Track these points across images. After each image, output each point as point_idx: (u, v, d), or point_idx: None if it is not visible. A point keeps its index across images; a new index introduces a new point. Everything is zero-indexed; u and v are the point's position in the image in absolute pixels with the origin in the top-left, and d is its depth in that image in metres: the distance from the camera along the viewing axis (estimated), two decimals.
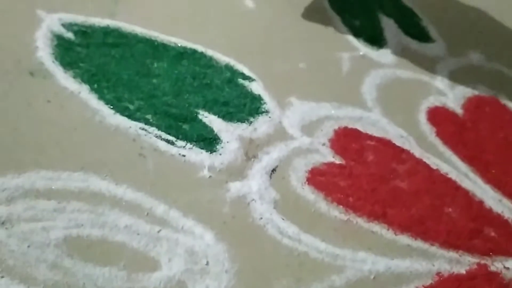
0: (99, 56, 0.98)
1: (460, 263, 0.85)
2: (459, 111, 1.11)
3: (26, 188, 0.76)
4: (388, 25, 1.27)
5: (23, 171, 0.78)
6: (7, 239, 0.70)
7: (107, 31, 1.03)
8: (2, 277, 0.67)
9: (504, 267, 0.87)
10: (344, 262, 0.81)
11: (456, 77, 1.18)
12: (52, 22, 1.00)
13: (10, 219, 0.72)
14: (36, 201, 0.75)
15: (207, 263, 0.75)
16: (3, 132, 0.82)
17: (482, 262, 0.86)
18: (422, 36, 1.27)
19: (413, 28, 1.28)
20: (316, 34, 1.19)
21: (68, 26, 1.01)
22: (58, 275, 0.69)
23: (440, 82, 1.16)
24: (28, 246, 0.70)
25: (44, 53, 0.95)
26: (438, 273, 0.82)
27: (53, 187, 0.77)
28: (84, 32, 1.01)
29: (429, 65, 1.20)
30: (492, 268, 0.86)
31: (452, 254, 0.86)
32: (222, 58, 1.05)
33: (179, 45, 1.05)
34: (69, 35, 1.00)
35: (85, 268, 0.70)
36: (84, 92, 0.91)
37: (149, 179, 0.83)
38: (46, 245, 0.71)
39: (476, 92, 1.16)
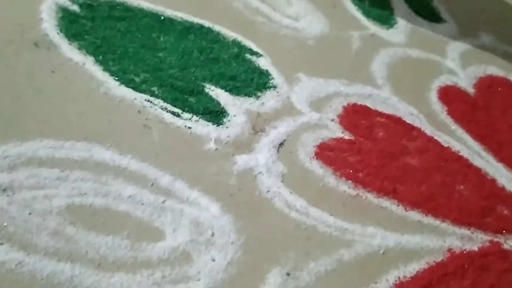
0: (104, 29, 0.96)
1: (472, 240, 0.83)
2: (470, 90, 1.09)
3: (28, 156, 0.74)
4: (398, 5, 1.25)
5: (25, 140, 0.76)
6: (8, 206, 0.68)
7: (112, 5, 1.01)
8: (1, 243, 0.65)
9: None
10: (353, 237, 0.78)
11: (467, 57, 1.16)
12: None
13: (11, 186, 0.70)
14: (38, 169, 0.73)
15: (213, 234, 0.73)
16: (6, 101, 0.80)
17: (495, 240, 0.84)
18: (432, 16, 1.25)
19: (424, 8, 1.26)
20: (325, 12, 1.17)
21: None
22: (60, 243, 0.67)
23: (451, 62, 1.14)
24: (30, 214, 0.69)
25: (49, 25, 0.93)
26: (449, 250, 0.80)
27: (56, 156, 0.75)
28: (89, 5, 1.00)
29: (440, 45, 1.18)
30: (506, 246, 0.84)
31: (464, 231, 0.84)
32: (229, 33, 1.03)
33: (186, 20, 1.03)
34: (74, 7, 0.98)
35: (88, 236, 0.69)
36: (88, 63, 0.90)
37: (154, 150, 0.81)
38: (48, 212, 0.69)
39: (488, 73, 1.14)
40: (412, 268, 0.77)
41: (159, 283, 0.67)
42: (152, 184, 0.77)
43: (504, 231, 0.85)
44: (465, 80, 1.11)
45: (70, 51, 0.91)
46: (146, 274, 0.67)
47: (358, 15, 1.19)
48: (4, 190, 0.70)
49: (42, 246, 0.66)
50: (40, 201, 0.70)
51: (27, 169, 0.73)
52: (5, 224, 0.66)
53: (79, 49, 0.92)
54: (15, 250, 0.65)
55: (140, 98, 0.87)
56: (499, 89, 1.10)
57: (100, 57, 0.92)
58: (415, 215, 0.84)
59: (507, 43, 1.24)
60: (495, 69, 1.16)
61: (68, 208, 0.71)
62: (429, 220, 0.84)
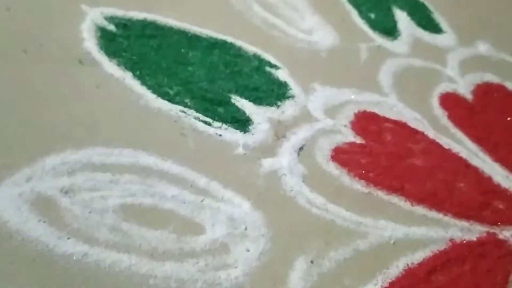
0: (139, 46, 1.07)
1: (471, 231, 0.94)
2: (469, 96, 1.19)
3: (84, 162, 0.85)
4: (402, 18, 1.36)
5: (80, 148, 0.87)
6: (71, 206, 0.79)
7: (144, 24, 1.12)
8: (69, 238, 0.76)
9: None
10: (367, 229, 0.89)
11: (465, 65, 1.27)
12: (95, 16, 1.09)
13: (72, 189, 0.81)
14: (93, 174, 0.84)
15: (246, 228, 0.84)
16: (60, 114, 0.91)
17: (491, 231, 0.95)
18: (433, 27, 1.36)
19: (425, 21, 1.37)
20: (335, 26, 1.28)
21: (110, 19, 1.10)
22: (117, 237, 0.78)
23: (451, 70, 1.25)
24: (89, 212, 0.79)
25: (90, 44, 1.04)
26: (451, 240, 0.91)
27: (107, 162, 0.86)
28: (124, 24, 1.10)
29: (440, 54, 1.29)
30: (501, 236, 0.95)
31: (464, 223, 0.95)
32: (250, 48, 1.14)
33: (211, 36, 1.14)
34: (111, 27, 1.09)
35: (140, 231, 0.79)
36: (128, 78, 1.00)
37: (191, 155, 0.92)
38: (105, 211, 0.80)
39: (484, 80, 1.25)
40: (419, 256, 0.88)
41: (203, 270, 0.78)
42: (191, 185, 0.88)
43: (499, 223, 0.96)
44: (464, 87, 1.21)
45: (111, 68, 1.02)
46: (192, 263, 0.78)
47: (365, 28, 1.29)
48: (66, 192, 0.81)
49: (103, 240, 0.77)
50: (97, 201, 0.81)
51: (84, 174, 0.84)
52: (70, 222, 0.78)
53: (118, 65, 1.03)
54: (80, 244, 0.76)
55: (175, 109, 0.98)
56: (495, 95, 1.21)
57: (138, 72, 1.03)
58: (420, 210, 0.95)
59: (502, 51, 1.35)
60: (491, 76, 1.27)
61: (122, 207, 0.82)
62: (433, 214, 0.95)
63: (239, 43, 1.15)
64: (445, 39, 1.34)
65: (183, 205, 0.85)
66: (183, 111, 0.98)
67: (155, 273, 0.76)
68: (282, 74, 1.11)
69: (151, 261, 0.77)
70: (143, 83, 1.01)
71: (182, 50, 1.09)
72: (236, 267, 0.80)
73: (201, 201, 0.86)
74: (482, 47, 1.34)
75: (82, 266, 0.74)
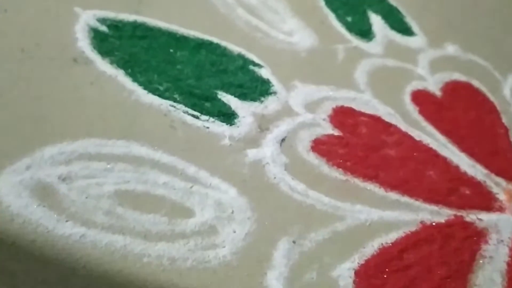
0: (130, 46, 1.13)
1: (440, 214, 1.02)
2: (438, 93, 1.28)
3: (80, 152, 0.90)
4: (376, 21, 1.44)
5: (76, 139, 0.92)
6: (69, 191, 0.84)
7: (135, 25, 1.18)
8: (67, 221, 0.81)
9: (477, 218, 1.04)
10: (345, 213, 0.97)
11: (435, 65, 1.36)
12: (88, 18, 1.15)
13: (69, 176, 0.86)
14: (89, 162, 0.89)
15: (233, 212, 0.91)
16: (56, 108, 0.96)
17: (459, 214, 1.03)
18: (405, 30, 1.45)
19: (398, 24, 1.46)
20: (314, 28, 1.36)
21: (102, 21, 1.16)
22: (113, 220, 0.83)
23: (421, 70, 1.33)
24: (86, 197, 0.84)
25: (84, 43, 1.09)
26: (421, 222, 0.99)
27: (102, 152, 0.91)
28: (115, 26, 1.16)
29: (412, 55, 1.37)
30: (467, 219, 1.03)
31: (433, 207, 1.02)
32: (235, 48, 1.21)
33: (197, 37, 1.21)
34: (103, 28, 1.15)
35: (134, 215, 0.85)
36: (120, 76, 1.06)
37: (180, 146, 0.98)
38: (100, 196, 0.85)
39: (452, 78, 1.34)
40: (392, 236, 0.95)
41: (193, 250, 0.84)
42: (181, 173, 0.93)
43: (466, 207, 1.04)
44: (433, 85, 1.30)
45: (104, 66, 1.07)
46: (183, 243, 0.84)
47: (343, 30, 1.37)
48: (64, 179, 0.86)
49: (99, 223, 0.82)
50: (93, 188, 0.87)
51: (80, 163, 0.89)
52: (68, 206, 0.83)
53: (111, 63, 1.08)
54: (78, 226, 0.81)
55: (165, 104, 1.04)
56: (461, 92, 1.30)
57: (129, 70, 1.08)
58: (394, 195, 1.02)
59: (469, 52, 1.45)
60: (458, 75, 1.36)
61: (116, 193, 0.87)
62: (405, 199, 1.02)
63: (224, 43, 1.22)
64: (416, 41, 1.43)
65: (174, 191, 0.90)
66: (172, 106, 1.04)
67: (148, 252, 0.82)
68: (265, 72, 1.18)
69: (145, 241, 0.83)
70: (135, 80, 1.07)
71: (171, 50, 1.16)
72: (224, 247, 0.86)
73: (190, 187, 0.92)
74: (451, 48, 1.43)
75: (80, 246, 0.79)
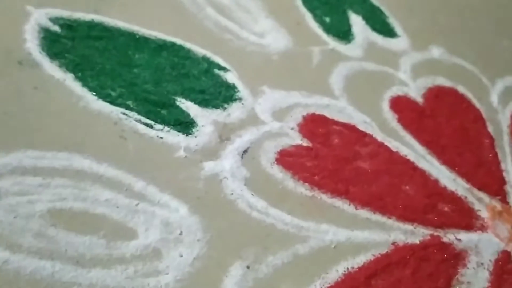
0: (83, 47, 1.05)
1: (414, 234, 0.93)
2: (419, 100, 1.19)
3: (13, 165, 0.82)
4: (357, 22, 1.35)
5: (10, 151, 0.84)
6: None
7: (91, 25, 1.10)
8: None
9: (456, 238, 0.95)
10: (308, 233, 0.88)
11: (418, 69, 1.27)
12: (39, 16, 1.07)
13: None
14: (22, 177, 0.81)
15: (181, 233, 0.82)
16: None
17: (435, 233, 0.94)
18: (388, 32, 1.36)
19: (380, 24, 1.37)
20: (289, 29, 1.27)
21: (55, 20, 1.08)
22: (42, 243, 0.75)
23: (403, 74, 1.25)
24: (15, 217, 0.76)
25: (32, 45, 1.01)
26: (393, 243, 0.90)
27: (38, 165, 0.83)
28: (69, 25, 1.08)
29: (393, 58, 1.29)
30: (445, 239, 0.94)
31: (408, 226, 0.94)
32: (200, 50, 1.13)
33: (159, 38, 1.12)
34: (56, 28, 1.06)
35: (67, 237, 0.77)
36: (69, 80, 0.98)
37: (129, 158, 0.89)
38: (31, 216, 0.77)
39: (436, 83, 1.25)
40: (360, 260, 0.87)
41: (132, 277, 0.75)
42: (127, 189, 0.85)
43: (443, 226, 0.96)
44: (415, 91, 1.21)
45: (52, 69, 0.99)
46: (120, 269, 0.76)
47: (319, 31, 1.29)
48: None
49: (26, 246, 0.74)
50: (24, 206, 0.78)
51: (12, 177, 0.81)
52: None
53: (60, 66, 1.00)
54: (1, 250, 0.73)
55: (116, 111, 0.96)
56: (445, 98, 1.21)
57: (79, 74, 1.00)
58: (364, 213, 0.94)
59: (456, 56, 1.36)
60: (443, 79, 1.27)
61: (50, 211, 0.79)
62: (377, 217, 0.94)
63: (188, 45, 1.13)
64: (399, 43, 1.34)
65: (116, 209, 0.82)
66: (124, 114, 0.96)
67: (79, 281, 0.73)
68: (230, 77, 1.10)
69: (76, 267, 0.74)
70: (85, 84, 0.98)
71: (129, 52, 1.07)
72: (167, 273, 0.77)
73: (136, 205, 0.84)
74: (436, 51, 1.34)
75: (1, 274, 0.70)
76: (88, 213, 0.80)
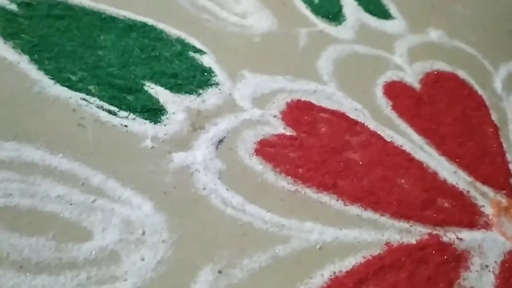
0: (42, 27, 0.94)
1: (410, 233, 0.83)
2: (416, 85, 1.09)
3: None
4: (348, 3, 1.25)
5: None
6: None
7: (52, 3, 0.99)
8: None
9: (457, 237, 0.85)
10: (290, 232, 0.78)
11: (415, 53, 1.17)
12: None
13: None
14: None
15: (144, 233, 0.72)
16: None
17: (434, 232, 0.84)
18: (382, 13, 1.25)
19: (373, 5, 1.26)
20: (274, 9, 1.17)
21: None
22: None
23: (398, 58, 1.14)
24: None
25: None
26: (387, 243, 0.80)
27: None
28: (28, 4, 0.97)
29: (388, 41, 1.18)
30: (444, 239, 0.84)
31: (403, 224, 0.84)
32: (173, 31, 1.02)
33: (129, 18, 1.02)
34: (12, 6, 0.96)
35: (11, 238, 0.66)
36: (23, 62, 0.87)
37: (88, 149, 0.79)
38: None
39: (434, 68, 1.15)
40: (348, 263, 0.77)
41: (83, 284, 0.65)
42: (83, 184, 0.75)
43: (443, 224, 0.86)
44: (412, 76, 1.11)
45: (5, 51, 0.88)
46: (70, 276, 0.66)
47: (307, 12, 1.18)
48: None
49: None
50: None
51: None
52: None
53: (14, 48, 0.89)
54: None
55: (75, 96, 0.85)
56: (445, 84, 1.11)
57: (36, 56, 0.90)
58: (354, 210, 0.84)
59: (456, 39, 1.26)
60: (442, 64, 1.17)
61: None
62: (368, 214, 0.84)
63: (161, 26, 1.02)
64: (394, 25, 1.23)
65: (69, 207, 0.72)
66: (84, 99, 0.85)
67: None
68: (207, 60, 0.99)
69: (19, 274, 0.64)
70: (41, 67, 0.88)
71: (93, 33, 0.96)
72: (125, 280, 0.67)
73: (92, 201, 0.73)
74: (434, 34, 1.24)
75: None
76: (36, 211, 0.70)
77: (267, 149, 0.87)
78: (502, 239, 0.87)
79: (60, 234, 0.69)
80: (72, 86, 0.87)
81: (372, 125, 0.97)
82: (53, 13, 0.98)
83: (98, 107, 0.85)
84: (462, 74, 1.16)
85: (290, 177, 0.84)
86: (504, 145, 1.06)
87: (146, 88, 0.91)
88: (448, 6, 1.34)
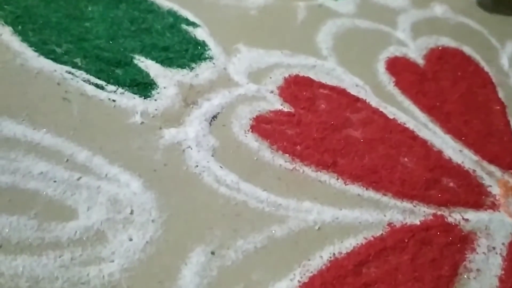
0: None
1: (414, 213, 0.79)
2: (420, 61, 1.04)
3: None
4: None
5: None
6: None
7: None
8: None
9: (463, 218, 0.81)
10: (287, 212, 0.74)
11: (418, 28, 1.12)
12: None
13: None
14: None
15: (132, 212, 0.68)
16: None
17: (439, 213, 0.80)
18: None
19: None
20: None
21: None
22: None
23: (401, 33, 1.10)
24: None
25: None
26: (389, 224, 0.76)
27: None
28: None
29: (391, 16, 1.14)
30: (450, 219, 0.80)
31: (406, 204, 0.80)
32: (165, 3, 0.97)
33: None
34: None
35: None
36: (6, 34, 0.83)
37: (73, 124, 0.75)
38: None
39: (439, 44, 1.10)
40: (349, 244, 0.73)
41: (67, 265, 0.61)
42: (67, 160, 0.71)
43: (448, 204, 0.82)
44: (415, 51, 1.06)
45: None
46: (53, 256, 0.62)
47: None
48: None
49: None
50: None
51: None
52: None
53: None
54: None
55: (60, 69, 0.81)
56: (449, 60, 1.06)
57: (19, 27, 0.85)
58: (355, 189, 0.79)
59: (461, 14, 1.21)
60: (447, 40, 1.12)
61: None
62: (370, 193, 0.79)
63: None
64: None
65: (53, 184, 0.67)
66: (70, 72, 0.81)
67: (1, 270, 0.59)
68: (200, 33, 0.95)
69: None
70: (24, 39, 0.83)
71: (80, 4, 0.91)
72: (112, 261, 0.63)
73: (78, 179, 0.69)
74: (438, 9, 1.19)
75: None
76: (17, 189, 0.66)
77: (264, 126, 0.83)
78: (510, 220, 0.83)
79: (43, 213, 0.65)
80: (57, 59, 0.82)
81: (373, 101, 0.93)
82: None
83: (84, 81, 0.80)
84: (467, 50, 1.12)
85: (287, 154, 0.80)
86: None
87: (135, 61, 0.86)
88: None
